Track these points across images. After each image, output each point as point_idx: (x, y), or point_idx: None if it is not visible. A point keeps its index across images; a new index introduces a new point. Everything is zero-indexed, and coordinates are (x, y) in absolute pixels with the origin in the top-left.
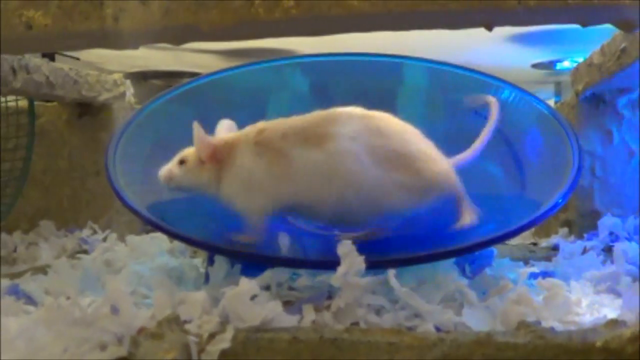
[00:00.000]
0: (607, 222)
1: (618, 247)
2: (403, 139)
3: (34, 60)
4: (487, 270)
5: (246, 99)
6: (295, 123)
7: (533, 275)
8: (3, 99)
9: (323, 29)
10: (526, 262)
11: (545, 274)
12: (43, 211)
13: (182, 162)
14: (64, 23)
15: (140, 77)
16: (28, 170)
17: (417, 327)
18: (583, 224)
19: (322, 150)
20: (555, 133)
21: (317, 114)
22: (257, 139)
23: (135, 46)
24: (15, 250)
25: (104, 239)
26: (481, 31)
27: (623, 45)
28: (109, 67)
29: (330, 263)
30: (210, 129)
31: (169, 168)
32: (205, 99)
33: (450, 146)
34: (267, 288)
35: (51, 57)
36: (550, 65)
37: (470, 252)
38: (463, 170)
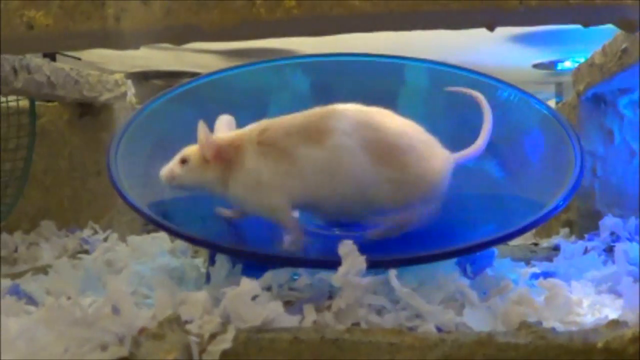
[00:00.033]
0: (608, 222)
1: (619, 247)
2: (398, 134)
3: (35, 60)
4: (488, 271)
5: (247, 99)
6: (297, 121)
7: (534, 276)
8: (4, 99)
9: (324, 29)
10: (527, 263)
11: (546, 274)
12: (44, 211)
13: (183, 161)
14: (65, 23)
15: (142, 77)
16: (29, 170)
17: (418, 328)
18: (584, 224)
19: (323, 146)
20: (557, 134)
21: (317, 110)
22: (260, 139)
23: (136, 46)
24: (16, 250)
25: (105, 239)
26: (482, 31)
27: (624, 45)
28: (110, 67)
29: (332, 262)
30: (211, 128)
31: (171, 167)
32: (206, 99)
33: (451, 147)
34: (268, 288)
35: (52, 57)
36: (551, 65)
37: (472, 253)
38: (465, 171)
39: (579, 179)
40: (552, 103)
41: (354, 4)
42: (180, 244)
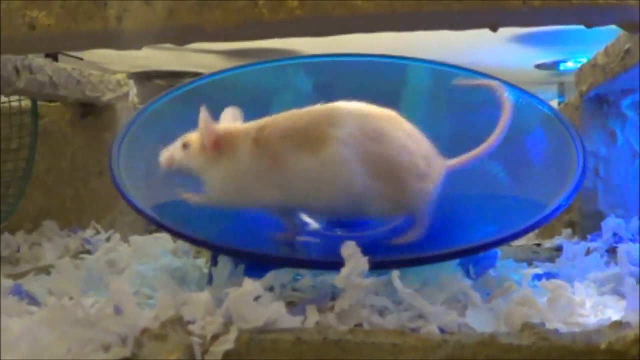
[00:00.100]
0: (611, 223)
1: (622, 248)
2: (400, 147)
3: (37, 60)
4: (491, 272)
5: (249, 99)
6: (296, 122)
7: (537, 277)
8: (6, 99)
9: (327, 29)
10: (530, 263)
11: (548, 275)
12: (46, 211)
13: (185, 146)
14: (67, 23)
15: (144, 77)
16: (31, 170)
17: (421, 328)
18: (586, 225)
19: (317, 156)
20: (559, 134)
21: (320, 110)
22: (257, 136)
23: (138, 46)
24: (18, 250)
25: (107, 239)
26: (484, 31)
27: (627, 46)
28: (112, 67)
29: (334, 263)
30: None
31: (171, 151)
32: (208, 99)
33: (452, 147)
34: (270, 289)
35: (54, 57)
36: (553, 65)
37: (474, 254)
38: (467, 171)
39: (581, 180)
40: (554, 103)
41: (357, 4)
42: (182, 244)
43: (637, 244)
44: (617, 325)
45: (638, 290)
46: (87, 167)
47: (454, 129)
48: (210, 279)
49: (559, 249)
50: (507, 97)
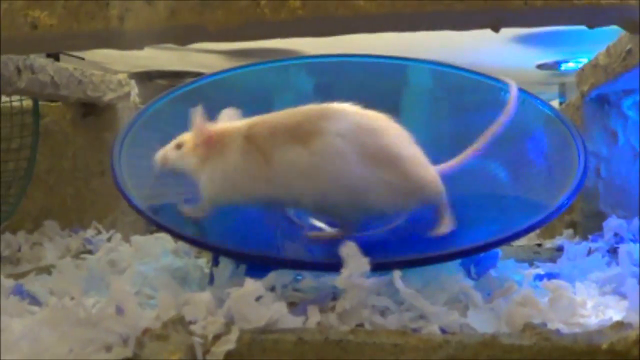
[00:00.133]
0: (612, 223)
1: (623, 248)
2: (395, 140)
3: (39, 60)
4: (492, 272)
5: (250, 99)
6: (287, 119)
7: (538, 277)
8: (8, 99)
9: (329, 29)
10: (531, 264)
11: (550, 276)
12: (47, 211)
13: (179, 146)
14: (69, 23)
15: (145, 77)
16: (32, 170)
17: (422, 329)
18: (588, 225)
19: (307, 148)
20: (560, 134)
21: (312, 108)
22: (248, 133)
23: (140, 46)
24: (19, 250)
25: (109, 239)
26: (486, 31)
27: (629, 46)
28: (113, 67)
29: (335, 265)
30: None
31: (165, 151)
32: (209, 99)
33: (454, 148)
34: (272, 289)
35: (56, 57)
36: (555, 66)
37: (475, 254)
38: (469, 172)
39: (582, 179)
40: (555, 104)
41: (359, 4)
42: (183, 244)
43: (638, 245)
44: (619, 325)
45: (639, 291)
46: (88, 167)
47: (456, 130)
48: (211, 279)
49: (560, 249)
50: (513, 101)
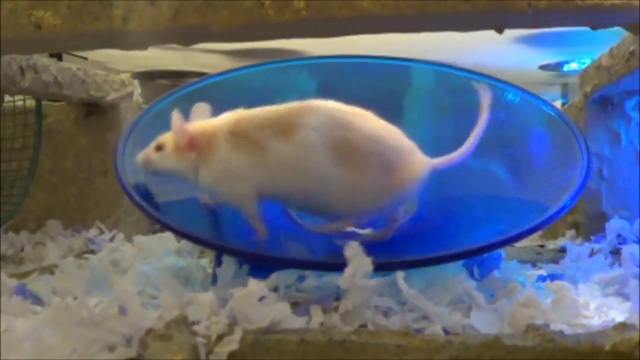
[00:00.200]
0: (615, 224)
1: (626, 249)
2: (368, 138)
3: (42, 59)
4: (495, 273)
5: (253, 100)
6: (271, 114)
7: (541, 278)
8: (11, 99)
9: (333, 30)
10: (534, 265)
11: (552, 277)
12: (50, 211)
13: (159, 147)
14: (73, 23)
15: (148, 77)
16: (35, 170)
17: (425, 330)
18: (590, 226)
19: (291, 140)
20: (563, 135)
21: (293, 104)
22: (234, 130)
23: (144, 47)
24: (22, 250)
25: (111, 239)
26: (488, 32)
27: (632, 47)
28: (116, 67)
29: (338, 264)
30: None
31: (147, 153)
32: (212, 99)
33: (456, 148)
34: (275, 289)
35: (59, 56)
36: (557, 66)
37: (479, 254)
38: (472, 173)
39: (585, 179)
40: (557, 104)
41: (363, 5)
42: (186, 244)
43: None
44: (622, 326)
45: None
46: (91, 167)
47: (458, 130)
48: (214, 279)
49: (563, 250)
50: (486, 99)
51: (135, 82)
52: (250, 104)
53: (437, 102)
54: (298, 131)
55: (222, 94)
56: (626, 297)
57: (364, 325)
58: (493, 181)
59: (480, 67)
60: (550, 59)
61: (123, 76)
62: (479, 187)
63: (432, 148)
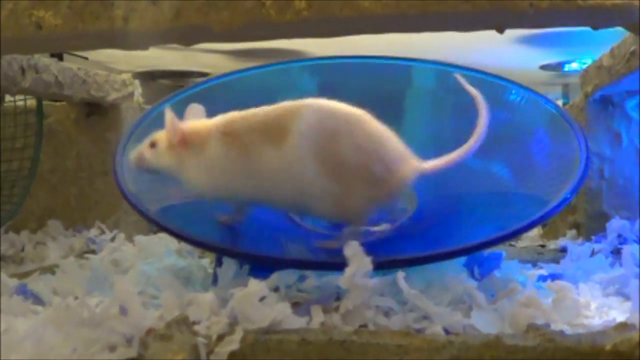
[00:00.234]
0: (616, 224)
1: (626, 249)
2: (357, 148)
3: (43, 59)
4: (496, 273)
5: (256, 101)
6: (263, 117)
7: (541, 278)
8: (12, 99)
9: (334, 30)
10: (534, 265)
11: (553, 277)
12: (51, 211)
13: (152, 145)
14: (74, 23)
15: (149, 77)
16: (36, 170)
17: (426, 330)
18: (591, 226)
19: (280, 147)
20: (563, 132)
21: (285, 106)
22: (226, 130)
23: (145, 47)
24: (23, 250)
25: (112, 239)
26: (489, 32)
27: (633, 48)
28: (117, 67)
29: (338, 264)
30: None
31: (140, 150)
32: (215, 101)
33: (457, 147)
34: (275, 289)
35: (60, 56)
36: (558, 67)
37: (479, 250)
38: (473, 170)
39: (584, 173)
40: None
41: (364, 5)
42: (187, 244)
43: None
44: (622, 326)
45: None
46: (91, 167)
47: (459, 129)
48: (215, 280)
49: (563, 250)
50: (482, 104)
51: (136, 82)
52: (251, 106)
53: (438, 101)
54: (286, 138)
55: (224, 96)
56: (627, 297)
57: (364, 325)
58: (494, 178)
59: (481, 67)
60: (551, 59)
61: (124, 76)
62: (480, 184)
63: (433, 148)
